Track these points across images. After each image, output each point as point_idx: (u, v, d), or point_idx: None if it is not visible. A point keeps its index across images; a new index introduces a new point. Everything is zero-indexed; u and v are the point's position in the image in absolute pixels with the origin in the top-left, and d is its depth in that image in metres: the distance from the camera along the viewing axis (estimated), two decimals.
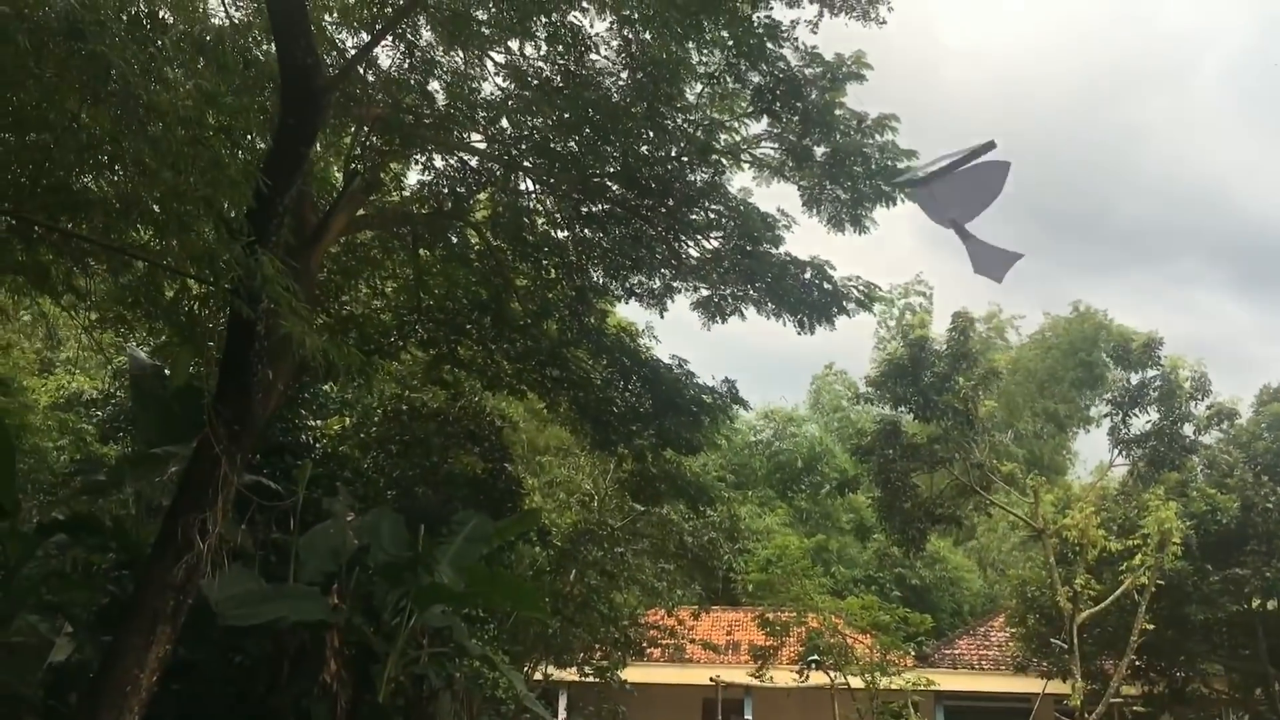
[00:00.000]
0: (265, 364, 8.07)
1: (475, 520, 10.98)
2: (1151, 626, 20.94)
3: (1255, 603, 21.62)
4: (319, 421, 15.96)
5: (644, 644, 20.37)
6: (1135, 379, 23.03)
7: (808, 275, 12.83)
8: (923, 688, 22.68)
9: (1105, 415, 24.36)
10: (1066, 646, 20.57)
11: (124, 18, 6.38)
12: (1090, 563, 20.63)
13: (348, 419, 16.39)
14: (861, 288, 13.09)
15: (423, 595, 9.41)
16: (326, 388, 15.82)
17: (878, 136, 11.83)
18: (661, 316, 14.08)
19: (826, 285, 12.86)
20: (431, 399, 15.92)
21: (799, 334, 13.14)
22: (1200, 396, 22.83)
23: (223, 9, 10.69)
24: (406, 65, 11.78)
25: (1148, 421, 23.16)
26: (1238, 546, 21.91)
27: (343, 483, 13.03)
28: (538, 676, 17.87)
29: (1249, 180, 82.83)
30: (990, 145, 5.85)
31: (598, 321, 14.46)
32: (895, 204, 11.83)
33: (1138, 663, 24.48)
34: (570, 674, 19.59)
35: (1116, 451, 23.96)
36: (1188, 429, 23.10)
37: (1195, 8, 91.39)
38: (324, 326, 11.62)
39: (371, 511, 10.80)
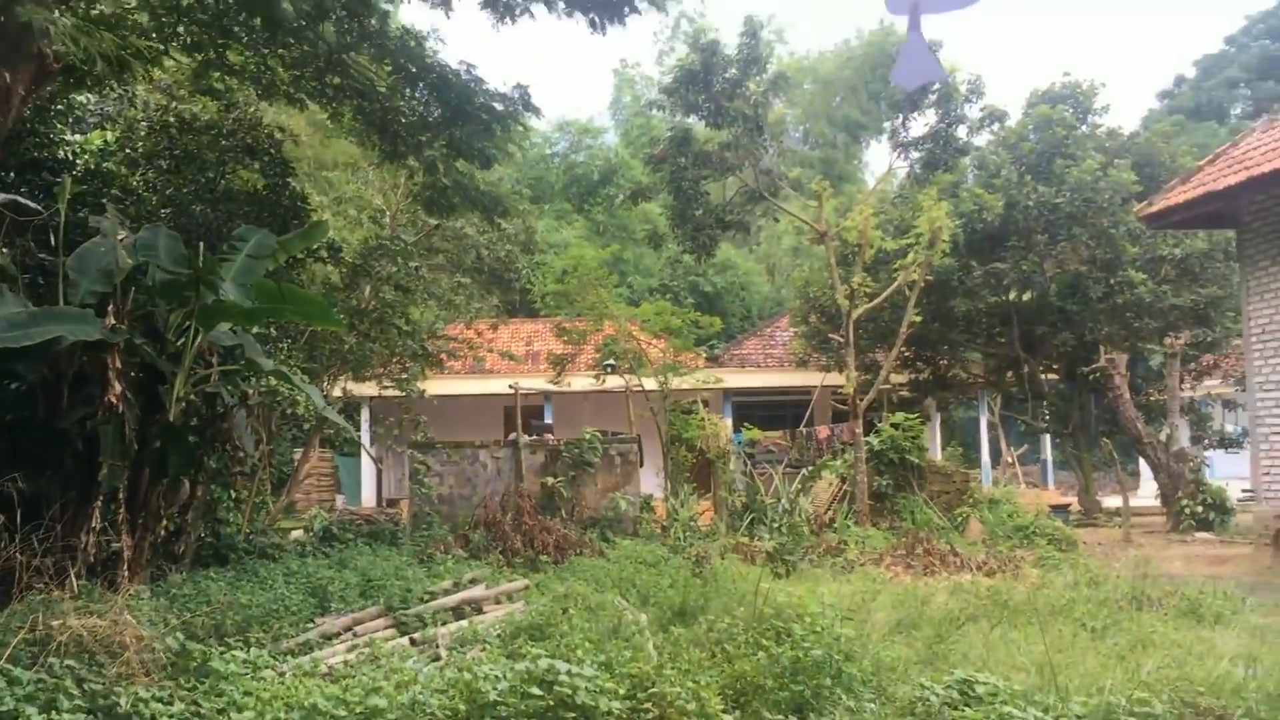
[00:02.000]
0: None
1: (258, 236, 10.54)
2: (919, 319, 22.51)
3: (1012, 295, 23.45)
4: (79, 136, 14.75)
5: (443, 356, 20.60)
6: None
7: None
8: (712, 385, 23.98)
9: (888, 122, 25.11)
10: (843, 341, 21.96)
11: None
12: (867, 262, 21.76)
13: (110, 133, 15.19)
14: None
15: (206, 313, 9.10)
16: (83, 98, 14.54)
17: None
18: (447, 16, 13.37)
19: None
20: (203, 110, 14.88)
21: (591, 33, 12.77)
22: (974, 99, 23.73)
23: None
24: None
25: (926, 125, 24.03)
26: (1000, 243, 23.52)
27: (110, 201, 12.26)
28: (337, 392, 17.89)
29: None
30: None
31: (379, 24, 13.60)
32: None
33: (906, 353, 26.55)
34: (370, 389, 19.72)
35: (896, 155, 24.91)
36: (961, 131, 24.12)
37: None
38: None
39: (145, 229, 10.20)
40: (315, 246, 13.98)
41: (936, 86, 22.44)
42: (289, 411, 15.55)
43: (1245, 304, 14.59)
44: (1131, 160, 23.59)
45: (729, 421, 26.03)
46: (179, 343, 9.40)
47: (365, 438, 24.88)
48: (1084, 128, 25.05)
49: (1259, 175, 12.83)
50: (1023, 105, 26.34)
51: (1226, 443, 27.38)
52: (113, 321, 8.80)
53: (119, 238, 9.67)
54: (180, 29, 12.85)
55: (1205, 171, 14.49)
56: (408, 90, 14.11)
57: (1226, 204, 14.19)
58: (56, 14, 6.44)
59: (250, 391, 10.69)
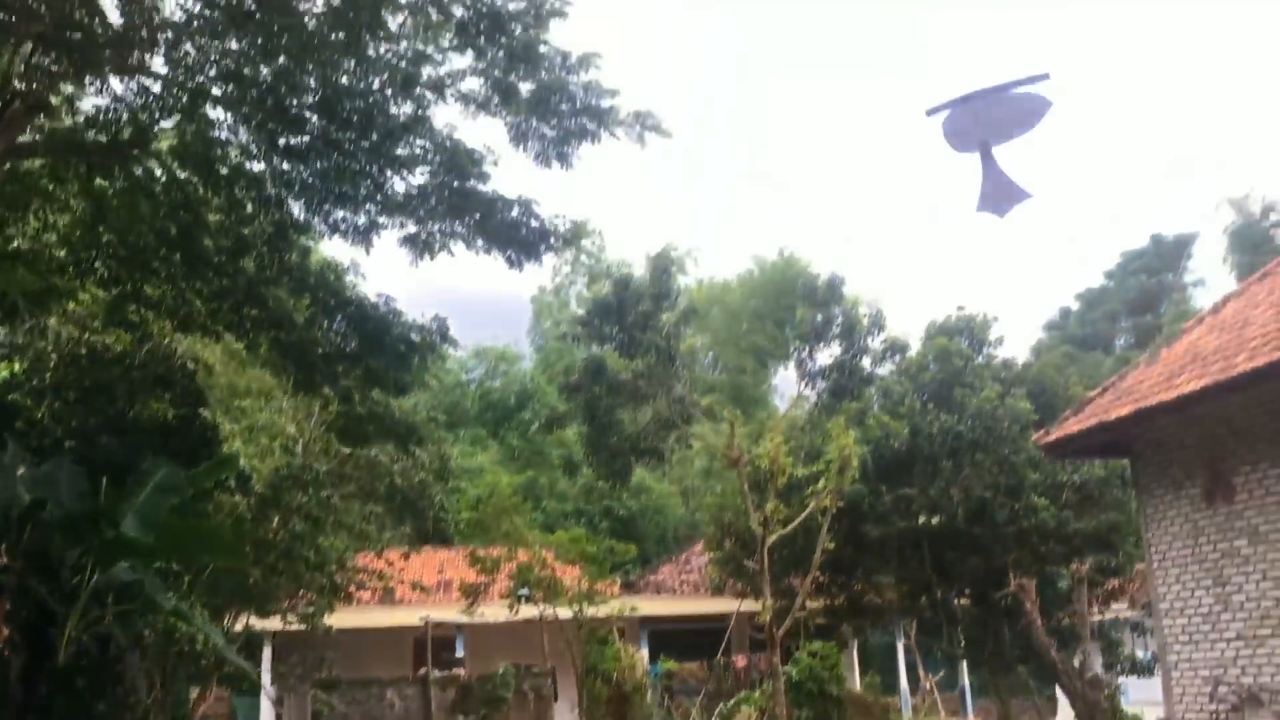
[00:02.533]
0: None
1: (165, 469, 10.36)
2: (832, 545, 22.59)
3: (921, 519, 23.77)
4: None
5: (351, 588, 20.04)
6: (820, 316, 24.62)
7: (515, 212, 12.87)
8: (628, 614, 23.60)
9: (795, 351, 26.00)
10: (758, 567, 21.90)
11: None
12: (780, 488, 21.97)
13: (17, 365, 15.01)
14: (567, 224, 13.28)
15: (105, 550, 8.82)
16: None
17: (582, 74, 11.99)
18: (367, 253, 13.77)
19: (534, 222, 12.95)
20: (115, 342, 14.83)
21: (510, 269, 13.24)
22: (876, 331, 24.75)
23: None
24: None
25: (831, 356, 24.91)
26: (908, 469, 24.01)
27: (12, 434, 11.98)
28: (239, 627, 17.22)
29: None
30: (1044, 76, 5.47)
31: (299, 258, 13.92)
32: (599, 141, 12.05)
33: (821, 578, 26.45)
34: (274, 623, 19.01)
35: (804, 384, 25.65)
36: (866, 361, 25.02)
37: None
38: None
39: (49, 463, 9.98)
40: (224, 477, 13.76)
41: (840, 320, 23.39)
42: (186, 649, 14.87)
43: (1145, 531, 14.97)
44: (1027, 390, 24.57)
45: (645, 651, 25.49)
46: (74, 580, 9.05)
47: (266, 676, 23.73)
48: (980, 358, 26.14)
49: (1147, 408, 13.41)
50: (921, 336, 27.51)
51: (1138, 668, 27.46)
52: (5, 560, 8.47)
53: (18, 472, 9.43)
54: (98, 264, 13.00)
55: (1096, 403, 15.09)
56: (325, 322, 14.32)
57: (1118, 434, 14.74)
58: None
59: (146, 632, 10.26)
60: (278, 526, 16.28)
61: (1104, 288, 59.50)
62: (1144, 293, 56.27)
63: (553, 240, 13.14)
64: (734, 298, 55.94)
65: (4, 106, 10.41)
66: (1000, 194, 5.72)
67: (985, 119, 5.55)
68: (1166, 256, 57.92)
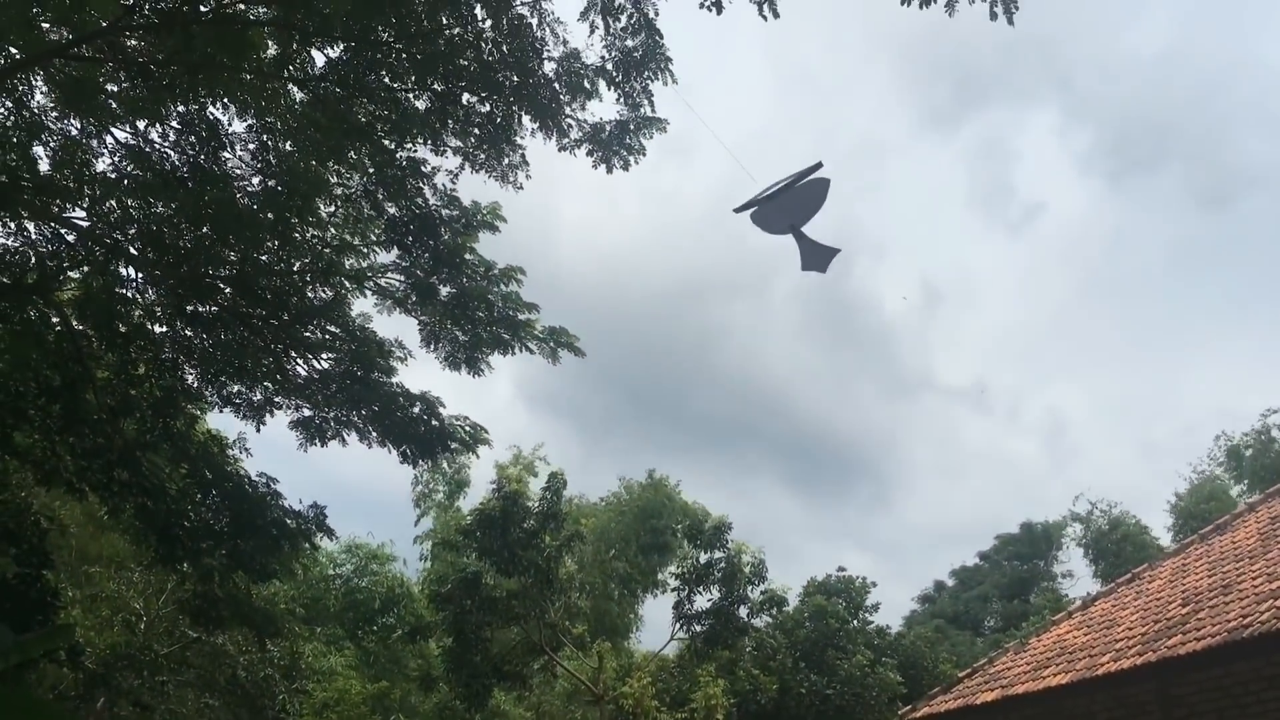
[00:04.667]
0: None
1: None
2: None
3: None
4: None
5: None
6: (704, 558, 24.48)
7: (417, 409, 12.78)
8: None
9: (674, 589, 25.64)
10: None
11: None
12: None
13: None
14: (469, 428, 13.20)
15: None
16: None
17: (503, 286, 12.20)
18: (258, 430, 13.41)
19: (435, 422, 12.85)
20: None
21: (402, 464, 13.02)
22: (757, 581, 24.64)
23: None
24: (11, 122, 10.72)
25: (709, 599, 24.62)
26: None
27: None
28: None
29: (806, 388, 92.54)
30: (817, 165, 6.95)
31: (185, 426, 13.51)
32: (514, 353, 12.15)
33: None
34: None
35: (679, 625, 25.21)
36: (743, 610, 24.78)
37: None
38: None
39: None
40: (57, 648, 12.82)
41: (723, 565, 23.25)
42: None
43: None
44: (898, 660, 24.55)
45: None
46: None
47: None
48: (855, 622, 26.17)
49: (1014, 695, 13.47)
50: (799, 593, 27.51)
51: None
52: None
53: None
54: None
55: (964, 684, 15.13)
56: (200, 495, 13.78)
57: (984, 719, 14.70)
58: None
59: None
60: (101, 709, 15.11)
61: (977, 567, 60.75)
62: (1015, 578, 57.58)
63: (451, 444, 13.01)
64: (601, 520, 55.42)
65: None
66: (817, 258, 6.99)
67: (784, 207, 6.94)
68: (1037, 543, 59.74)
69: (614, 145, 10.29)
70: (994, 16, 8.17)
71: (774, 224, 7.07)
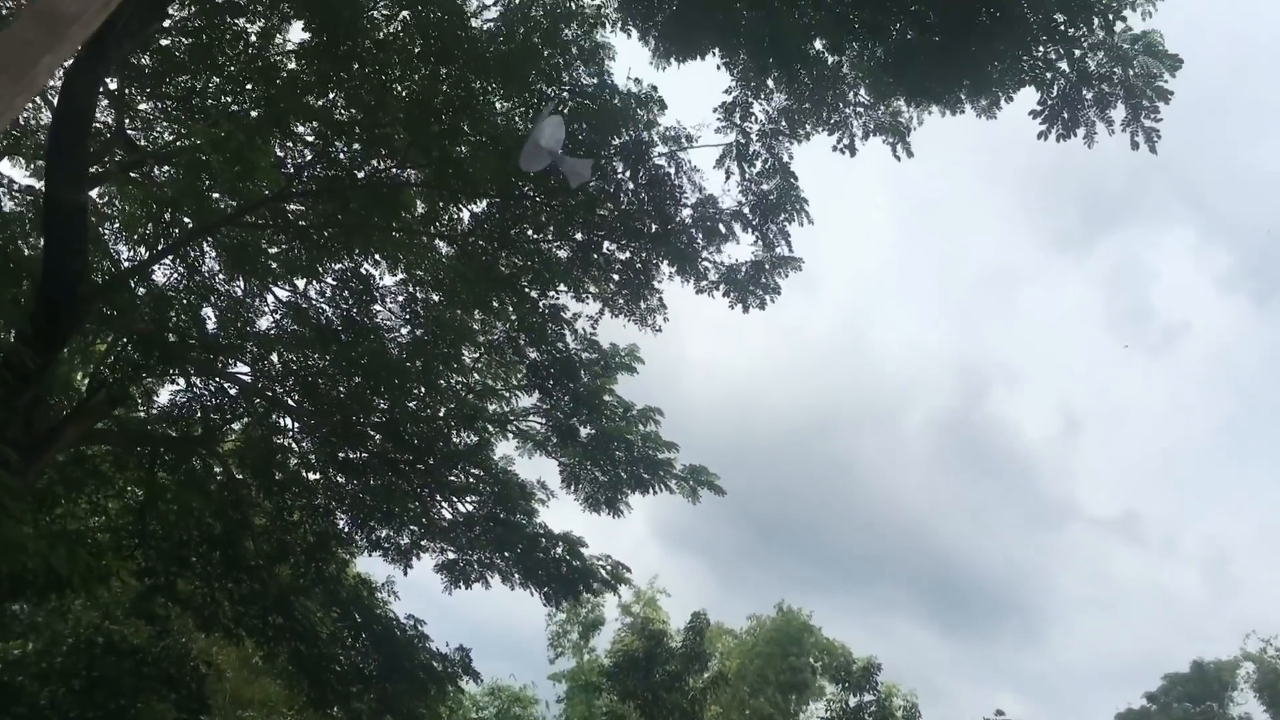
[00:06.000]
0: None
1: None
2: None
3: None
4: None
5: None
6: (853, 700, 23.63)
7: (559, 550, 12.86)
8: None
9: None
10: None
11: None
12: None
13: (30, 644, 14.68)
14: (609, 567, 13.19)
15: None
16: (16, 607, 14.23)
17: (641, 427, 12.31)
18: (405, 573, 13.65)
19: (576, 562, 12.89)
20: (134, 634, 14.54)
21: (545, 606, 13.07)
22: None
23: None
24: (183, 286, 11.45)
25: None
26: None
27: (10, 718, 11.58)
28: None
29: (944, 520, 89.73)
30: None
31: (337, 571, 13.84)
32: (655, 492, 12.19)
33: None
34: None
35: None
36: None
37: (908, 362, 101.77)
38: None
39: None
40: None
41: (873, 709, 22.34)
42: None
43: None
44: None
45: None
46: None
47: None
48: None
49: None
50: None
51: None
52: None
53: None
54: (138, 553, 12.98)
55: None
56: (350, 638, 14.01)
57: None
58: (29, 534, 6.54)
59: None
60: None
61: (1144, 710, 57.19)
62: None
63: (593, 583, 13.03)
64: (736, 659, 53.88)
65: (89, 394, 10.81)
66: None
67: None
68: (1209, 683, 55.93)
69: (750, 285, 10.44)
70: (1135, 146, 8.12)
71: (536, 160, 7.62)
